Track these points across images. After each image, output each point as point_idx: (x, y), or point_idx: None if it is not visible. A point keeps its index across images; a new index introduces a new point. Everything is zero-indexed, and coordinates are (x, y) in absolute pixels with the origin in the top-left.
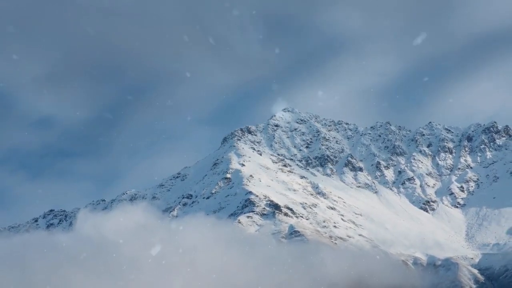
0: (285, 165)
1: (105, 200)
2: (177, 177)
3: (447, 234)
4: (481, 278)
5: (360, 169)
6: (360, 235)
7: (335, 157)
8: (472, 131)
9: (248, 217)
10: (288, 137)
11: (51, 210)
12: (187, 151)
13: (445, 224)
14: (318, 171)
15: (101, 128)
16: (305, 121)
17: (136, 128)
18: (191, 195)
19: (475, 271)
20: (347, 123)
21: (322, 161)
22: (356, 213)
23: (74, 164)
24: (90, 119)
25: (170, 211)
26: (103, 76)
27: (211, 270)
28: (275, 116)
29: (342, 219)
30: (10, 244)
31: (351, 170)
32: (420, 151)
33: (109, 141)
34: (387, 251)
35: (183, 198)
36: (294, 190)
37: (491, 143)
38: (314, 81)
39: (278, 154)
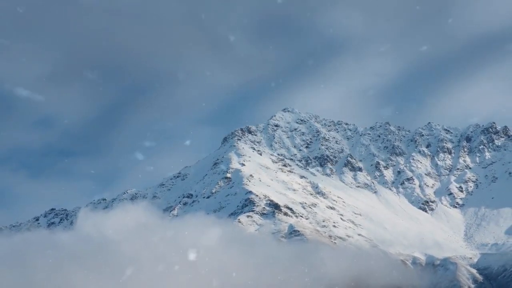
0: (285, 165)
1: (106, 199)
2: (177, 177)
3: (446, 234)
4: (479, 277)
5: (360, 169)
6: (359, 234)
7: (334, 157)
8: (471, 132)
9: (248, 216)
10: (288, 137)
11: (52, 209)
12: (187, 150)
13: (444, 224)
14: (317, 171)
15: (102, 127)
16: (305, 121)
17: (137, 128)
18: (192, 195)
19: (474, 271)
20: (346, 123)
21: (321, 161)
22: (355, 213)
23: (75, 164)
24: (91, 118)
25: (171, 211)
26: (104, 76)
27: (211, 269)
28: (275, 116)
29: (341, 218)
30: (11, 243)
31: (350, 170)
32: (419, 152)
33: (110, 140)
34: (386, 250)
35: (183, 197)
36: (294, 190)
37: (490, 144)
38: (314, 81)
39: (278, 154)
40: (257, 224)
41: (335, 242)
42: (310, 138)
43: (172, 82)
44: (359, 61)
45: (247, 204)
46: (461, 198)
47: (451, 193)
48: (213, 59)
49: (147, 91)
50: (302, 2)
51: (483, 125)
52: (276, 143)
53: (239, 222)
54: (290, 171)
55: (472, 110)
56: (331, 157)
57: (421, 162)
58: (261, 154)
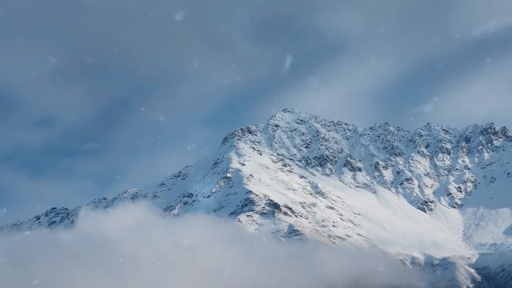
0: (284, 165)
1: (106, 199)
2: (178, 176)
3: (445, 234)
4: (478, 277)
5: (359, 169)
6: (358, 234)
7: (334, 157)
8: (470, 132)
9: (248, 216)
10: (288, 137)
11: (53, 208)
12: (187, 150)
13: (443, 224)
14: (317, 171)
15: (103, 127)
16: (304, 121)
17: (137, 128)
18: (192, 194)
19: (472, 271)
20: (346, 124)
21: (321, 161)
22: (354, 213)
23: (76, 163)
24: (91, 118)
25: (171, 210)
26: (104, 76)
27: (211, 268)
28: (275, 116)
29: (341, 218)
30: (12, 242)
31: (350, 170)
32: (418, 152)
33: (111, 140)
34: (385, 250)
35: (183, 197)
36: (294, 190)
37: (489, 144)
38: (313, 81)
39: (278, 154)
40: (257, 223)
41: (334, 242)
42: (310, 138)
43: (173, 82)
44: (358, 61)
45: (247, 203)
46: (459, 198)
47: (450, 193)
48: (214, 59)
49: (148, 91)
50: (302, 3)
51: (482, 126)
52: (276, 143)
53: (239, 221)
54: (290, 171)
55: (471, 111)
56: (331, 157)
57: (420, 162)
58: (261, 154)
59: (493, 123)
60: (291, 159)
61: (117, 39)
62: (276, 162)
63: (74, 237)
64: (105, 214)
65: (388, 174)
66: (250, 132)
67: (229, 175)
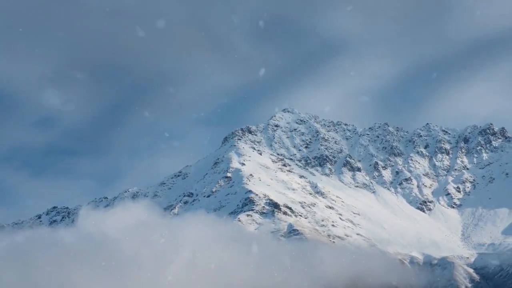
0: (284, 165)
1: (107, 198)
2: (178, 176)
3: (443, 233)
4: (476, 277)
5: (358, 169)
6: (358, 234)
7: (333, 157)
8: (469, 133)
9: (247, 215)
10: (287, 137)
11: (54, 207)
12: (188, 150)
13: (442, 224)
14: (317, 170)
15: (104, 127)
16: (304, 121)
17: (138, 127)
18: (192, 194)
19: (471, 270)
20: (346, 124)
21: (321, 161)
22: (354, 213)
23: (77, 163)
24: (92, 118)
25: (171, 209)
26: (105, 76)
27: (211, 267)
28: (275, 116)
29: (340, 218)
30: (13, 240)
31: (349, 170)
32: (418, 152)
33: (112, 139)
34: (384, 250)
35: (184, 196)
36: (293, 190)
37: (487, 145)
38: (313, 82)
39: (278, 154)
40: (256, 223)
41: (333, 241)
42: (310, 138)
43: (173, 82)
44: (358, 62)
45: (247, 203)
46: (458, 199)
47: (448, 194)
48: (214, 60)
49: (149, 91)
50: (302, 3)
51: (480, 126)
52: (276, 143)
53: (239, 221)
54: (289, 171)
55: (470, 112)
56: (330, 157)
57: (419, 163)
58: (261, 154)
59: (491, 124)
60: (291, 159)
61: (118, 39)
62: (276, 162)
63: (74, 236)
64: (105, 213)
65: (387, 174)
66: (250, 132)
67: (229, 174)
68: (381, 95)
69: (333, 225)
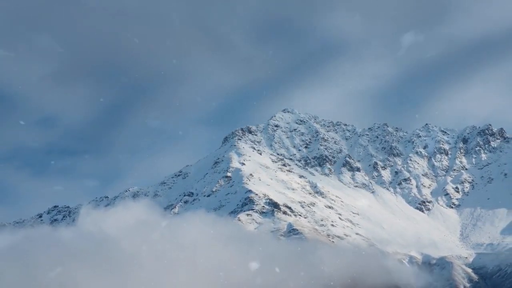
0: (284, 165)
1: (108, 197)
2: (178, 175)
3: (442, 233)
4: (474, 277)
5: (358, 169)
6: (357, 233)
7: (333, 157)
8: (468, 134)
9: (247, 215)
10: (287, 137)
11: (55, 206)
12: (188, 150)
13: (440, 224)
14: (316, 170)
15: (104, 126)
16: (304, 121)
17: (138, 127)
18: (192, 193)
19: (469, 270)
20: (345, 124)
21: (320, 161)
22: (353, 212)
23: (78, 162)
24: (93, 117)
25: (172, 208)
26: (106, 76)
27: (210, 266)
28: (275, 116)
29: (339, 218)
30: (15, 239)
31: (349, 170)
32: (417, 152)
33: (112, 139)
34: (383, 249)
35: (184, 195)
36: (293, 189)
37: (486, 145)
38: (313, 82)
39: (278, 154)
40: (256, 222)
41: (333, 241)
42: (309, 139)
43: (174, 82)
44: (357, 63)
45: (246, 202)
46: (457, 199)
47: (447, 194)
48: (214, 59)
49: (149, 90)
50: (302, 6)
51: (479, 127)
52: (276, 143)
53: (239, 220)
54: (289, 171)
55: (468, 112)
56: (330, 157)
57: (418, 163)
58: (261, 154)
59: (490, 125)
60: (290, 159)
61: (119, 39)
62: (275, 162)
63: (75, 235)
64: (106, 213)
65: (386, 174)
66: (250, 132)
67: (229, 174)
68: (381, 95)
69: (332, 225)
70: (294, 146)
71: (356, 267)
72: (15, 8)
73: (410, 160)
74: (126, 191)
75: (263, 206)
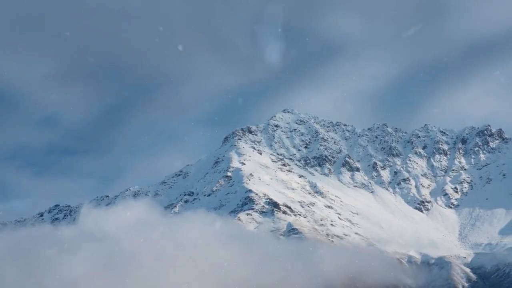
0: (284, 165)
1: (108, 196)
2: (179, 175)
3: (441, 233)
4: (473, 276)
5: (357, 169)
6: (356, 233)
7: (333, 157)
8: (467, 134)
9: (247, 214)
10: (287, 137)
11: (56, 205)
12: (188, 149)
13: (439, 224)
14: (316, 170)
15: (105, 126)
16: (304, 122)
17: (139, 127)
18: (193, 192)
19: (468, 270)
20: (345, 125)
21: (320, 161)
22: (352, 212)
23: (79, 161)
24: (94, 117)
25: (172, 208)
26: (107, 76)
27: (210, 265)
28: (275, 116)
29: (339, 217)
30: (16, 237)
31: (348, 170)
32: (416, 153)
33: (113, 139)
34: (382, 249)
35: (184, 195)
36: (293, 189)
37: (485, 146)
38: (313, 83)
39: (278, 154)
40: (256, 222)
41: (332, 241)
42: (309, 139)
43: (175, 82)
44: (357, 63)
45: (246, 202)
46: (456, 199)
47: (446, 194)
48: (215, 60)
49: (150, 90)
50: (302, 7)
51: (478, 128)
52: (276, 143)
53: (239, 219)
54: (289, 171)
55: (467, 113)
56: (330, 157)
57: (417, 163)
58: (261, 154)
59: (489, 125)
60: (290, 159)
61: (120, 39)
62: (275, 162)
63: (76, 234)
64: (107, 212)
65: (385, 174)
66: (250, 132)
67: (229, 174)
68: (380, 96)
69: (332, 225)
70: (294, 146)
71: (355, 267)
72: (15, 8)
73: (409, 160)
74: (127, 190)
75: (263, 206)
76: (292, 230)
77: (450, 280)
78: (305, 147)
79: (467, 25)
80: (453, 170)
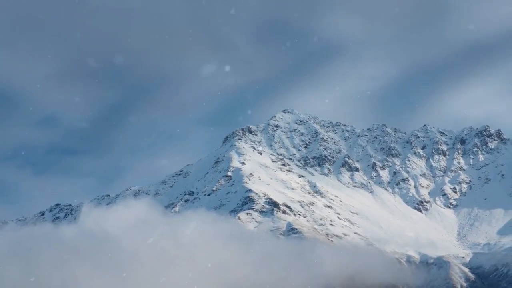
0: (284, 164)
1: (109, 195)
2: (179, 174)
3: (440, 233)
4: (471, 276)
5: (357, 169)
6: (355, 233)
7: (332, 157)
8: (466, 135)
9: (247, 214)
10: (287, 137)
11: (57, 204)
12: (189, 149)
13: (438, 224)
14: (316, 170)
15: (106, 126)
16: (304, 122)
17: (139, 127)
18: (193, 192)
19: (466, 270)
20: (344, 125)
21: (320, 161)
22: (352, 212)
23: (80, 161)
24: (95, 117)
25: (172, 207)
26: (107, 75)
27: (210, 265)
28: (275, 116)
29: (338, 217)
30: (17, 236)
31: (347, 170)
32: (415, 153)
33: (114, 138)
34: (381, 249)
35: (185, 194)
36: (293, 189)
37: (484, 146)
38: (313, 83)
39: (278, 154)
40: (256, 221)
41: (332, 240)
42: (309, 139)
43: (175, 82)
44: (356, 64)
45: (246, 202)
46: (454, 199)
47: (445, 194)
48: (215, 60)
49: (151, 90)
50: (302, 7)
51: (477, 128)
52: (275, 143)
53: (239, 219)
54: (289, 171)
55: (466, 114)
56: (329, 157)
57: (416, 163)
58: (261, 154)
59: (488, 126)
60: (290, 159)
61: (120, 39)
62: (275, 162)
63: (77, 233)
64: (107, 211)
65: (385, 175)
66: (250, 132)
67: (229, 173)
68: (380, 96)
69: (331, 224)
70: (293, 146)
71: (354, 266)
72: (16, 8)
73: (408, 160)
74: (128, 189)
75: (263, 205)
76: (291, 230)
77: (448, 280)
78: (305, 147)
79: (467, 25)
80: (452, 170)
